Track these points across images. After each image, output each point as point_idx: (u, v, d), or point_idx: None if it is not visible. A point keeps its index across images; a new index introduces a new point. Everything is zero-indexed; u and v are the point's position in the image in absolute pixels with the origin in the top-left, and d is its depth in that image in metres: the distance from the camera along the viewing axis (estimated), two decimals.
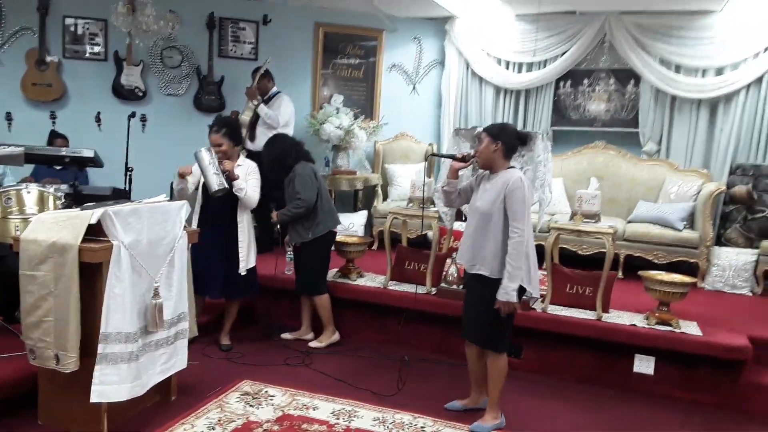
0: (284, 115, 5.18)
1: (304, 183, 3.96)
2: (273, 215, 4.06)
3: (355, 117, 6.14)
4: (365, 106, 6.57)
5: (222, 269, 3.83)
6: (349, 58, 6.54)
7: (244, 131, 5.20)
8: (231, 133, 3.86)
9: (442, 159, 4.95)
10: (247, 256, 3.91)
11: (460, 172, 3.21)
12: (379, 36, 6.54)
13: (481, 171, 3.13)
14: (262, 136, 5.12)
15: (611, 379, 3.75)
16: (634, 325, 3.72)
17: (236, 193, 3.75)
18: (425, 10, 6.24)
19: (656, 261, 5.03)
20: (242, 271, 3.87)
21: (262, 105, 5.15)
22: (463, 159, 3.18)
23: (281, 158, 4.05)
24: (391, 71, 6.67)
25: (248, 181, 3.87)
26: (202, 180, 3.72)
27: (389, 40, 6.60)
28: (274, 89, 5.39)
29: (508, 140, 2.96)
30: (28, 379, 2.90)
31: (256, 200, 3.91)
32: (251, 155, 5.22)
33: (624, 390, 3.69)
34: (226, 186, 3.63)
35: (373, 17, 6.33)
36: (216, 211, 3.80)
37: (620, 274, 4.97)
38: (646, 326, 3.71)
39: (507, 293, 2.85)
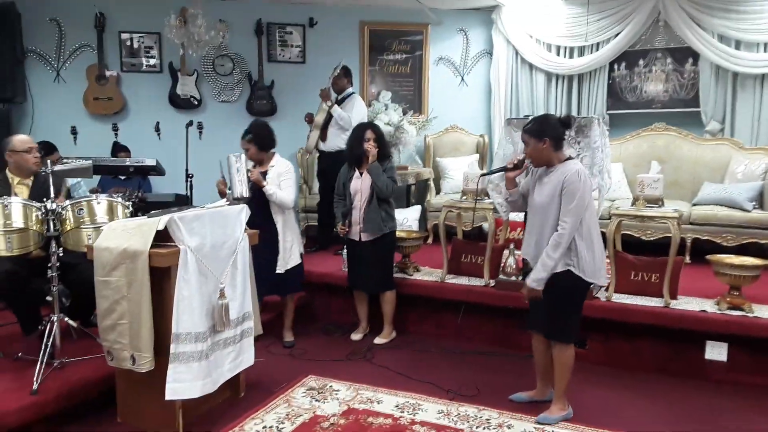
0: (356, 117, 5.09)
1: (396, 176, 4.05)
2: (341, 230, 4.07)
3: (404, 112, 6.15)
4: (413, 100, 6.58)
5: (268, 269, 3.86)
6: (395, 54, 6.55)
7: (317, 132, 5.25)
8: (255, 138, 3.94)
9: (494, 149, 4.92)
10: (286, 256, 3.95)
11: (516, 179, 3.17)
12: (425, 30, 6.53)
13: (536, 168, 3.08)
14: (334, 138, 5.18)
15: (681, 368, 3.63)
16: (704, 311, 3.59)
17: (268, 198, 3.85)
18: (470, 1, 6.18)
19: (725, 244, 4.83)
20: (280, 270, 3.93)
21: (335, 106, 5.16)
22: (516, 166, 3.13)
23: (388, 152, 4.14)
24: (438, 64, 6.65)
25: (282, 181, 3.92)
26: None
27: (435, 34, 6.57)
28: (350, 89, 5.33)
29: (553, 133, 2.90)
30: (107, 380, 3.04)
31: (291, 200, 3.95)
32: (322, 156, 5.31)
33: (695, 378, 3.57)
34: (247, 195, 3.58)
35: (418, 12, 6.32)
36: (255, 213, 3.84)
37: (687, 259, 4.80)
38: (717, 312, 3.57)
39: (536, 280, 2.86)
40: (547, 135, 2.87)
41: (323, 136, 5.24)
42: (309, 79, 6.12)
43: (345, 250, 4.45)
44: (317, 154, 5.45)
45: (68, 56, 6.01)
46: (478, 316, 4.14)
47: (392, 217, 4.10)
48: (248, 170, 3.75)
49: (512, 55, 6.50)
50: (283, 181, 3.94)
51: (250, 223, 3.75)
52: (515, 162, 3.13)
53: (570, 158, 2.95)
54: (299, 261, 4.07)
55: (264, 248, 3.78)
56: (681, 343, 3.64)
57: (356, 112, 5.15)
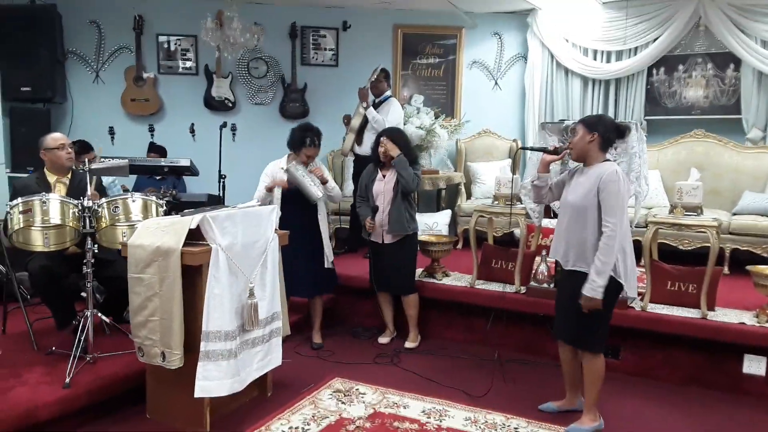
0: (392, 121, 5.05)
1: (419, 174, 4.06)
2: (368, 226, 4.05)
3: (436, 116, 6.11)
4: (446, 104, 6.54)
5: (307, 268, 3.95)
6: (428, 57, 6.53)
7: (352, 135, 5.24)
8: (320, 141, 4.03)
9: (528, 155, 4.85)
10: (329, 251, 4.09)
11: (551, 166, 3.12)
12: (458, 33, 6.49)
13: (573, 165, 3.03)
14: (369, 141, 5.15)
15: (718, 381, 3.52)
16: (742, 323, 3.48)
17: (328, 193, 4.00)
18: (505, 4, 6.14)
19: (765, 255, 4.68)
20: (328, 265, 4.05)
21: (371, 109, 5.15)
22: (555, 152, 3.08)
23: (416, 154, 4.17)
24: (471, 68, 6.60)
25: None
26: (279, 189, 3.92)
27: (469, 37, 6.53)
28: (388, 93, 5.30)
29: (605, 132, 2.84)
30: (137, 376, 3.08)
31: (340, 193, 4.16)
32: (358, 159, 5.32)
33: (732, 392, 3.46)
34: (321, 194, 3.88)
35: (452, 15, 6.29)
36: (296, 212, 3.90)
37: (726, 270, 4.66)
38: (756, 324, 3.46)
39: (593, 289, 2.73)
40: (598, 131, 2.83)
41: (359, 140, 5.24)
42: (342, 83, 6.15)
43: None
44: (353, 157, 5.45)
45: (107, 58, 6.15)
46: (508, 322, 4.08)
47: (414, 218, 4.09)
48: (310, 171, 3.90)
49: (547, 59, 6.42)
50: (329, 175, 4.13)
51: (295, 223, 3.79)
52: (555, 147, 3.10)
53: (608, 160, 2.89)
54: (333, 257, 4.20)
55: (309, 246, 3.88)
56: (718, 356, 3.53)
57: (392, 115, 5.12)
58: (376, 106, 5.21)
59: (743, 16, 5.37)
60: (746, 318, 3.55)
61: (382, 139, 4.04)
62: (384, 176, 4.05)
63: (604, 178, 2.75)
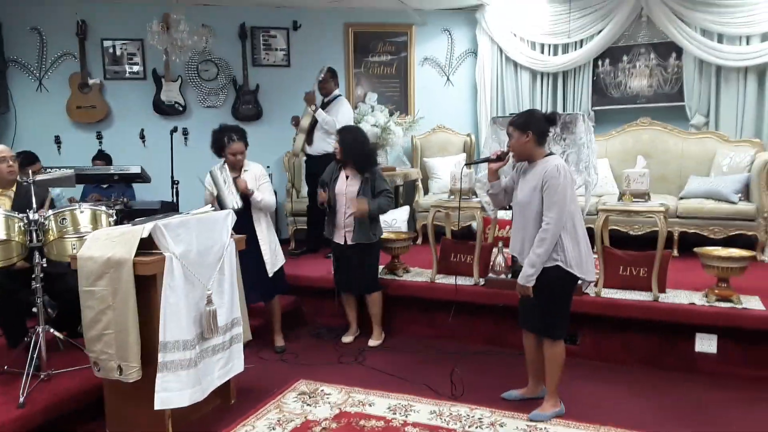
0: (342, 120, 5.06)
1: (387, 182, 4.01)
2: (320, 195, 4.00)
3: (391, 114, 6.14)
4: (400, 101, 6.58)
5: (253, 273, 3.81)
6: (380, 55, 6.55)
7: (303, 136, 5.23)
8: (246, 138, 3.92)
9: (481, 148, 4.92)
10: (272, 258, 3.94)
11: (499, 171, 3.17)
12: (409, 31, 6.53)
13: (520, 164, 3.08)
14: (320, 141, 5.17)
15: (672, 361, 3.64)
16: (693, 303, 3.61)
17: (255, 205, 3.84)
18: (453, 1, 6.18)
19: (712, 236, 4.87)
20: (271, 273, 3.92)
21: (320, 110, 5.14)
22: (499, 158, 3.14)
23: (371, 154, 4.09)
24: (423, 65, 6.65)
25: (261, 185, 3.92)
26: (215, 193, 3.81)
27: (419, 34, 6.58)
28: (336, 92, 5.31)
29: (537, 127, 2.91)
30: (94, 391, 3.00)
31: (273, 203, 3.97)
32: (310, 159, 5.30)
33: (686, 371, 3.58)
34: (241, 205, 3.71)
35: (402, 13, 6.32)
36: (237, 220, 3.82)
37: (675, 253, 4.82)
38: (706, 304, 3.59)
39: (525, 278, 2.88)
40: (530, 129, 2.89)
41: (309, 140, 5.23)
42: (294, 83, 6.10)
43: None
44: (304, 158, 5.44)
45: (50, 65, 5.97)
46: (469, 315, 4.13)
47: (378, 224, 4.10)
48: (234, 179, 3.74)
49: (497, 54, 6.52)
50: (262, 184, 3.94)
51: (236, 230, 3.73)
52: (498, 154, 3.14)
53: (551, 154, 2.96)
54: (284, 260, 4.08)
55: (247, 254, 3.75)
56: (671, 337, 3.65)
57: (342, 115, 5.12)
58: (324, 105, 5.21)
59: (683, 6, 5.55)
60: (696, 298, 3.68)
61: (337, 139, 4.03)
62: (347, 177, 4.02)
63: (545, 174, 2.83)
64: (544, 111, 3.07)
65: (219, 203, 3.72)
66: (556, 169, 2.83)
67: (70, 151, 5.91)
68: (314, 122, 5.17)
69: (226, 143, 3.84)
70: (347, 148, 3.96)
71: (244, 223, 3.82)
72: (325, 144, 5.11)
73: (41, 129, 5.89)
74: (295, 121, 5.36)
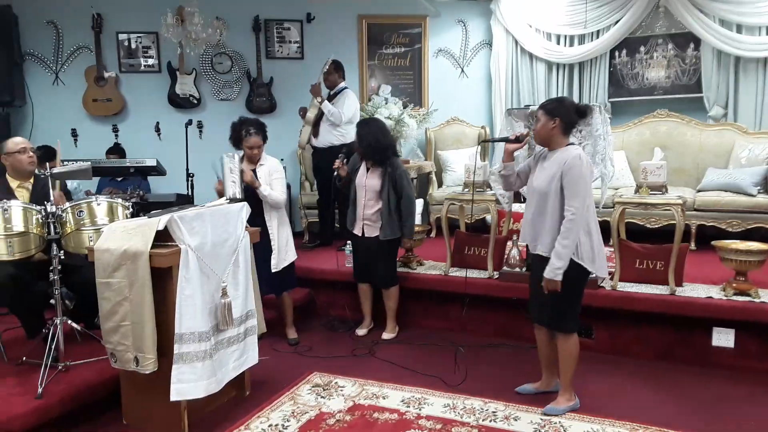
0: (347, 113, 5.11)
1: (410, 181, 4.02)
2: (337, 164, 3.99)
3: (404, 106, 6.12)
4: (413, 93, 6.54)
5: (262, 268, 3.78)
6: (394, 47, 6.51)
7: (309, 128, 5.25)
8: (263, 133, 3.91)
9: (496, 136, 4.88)
10: (280, 255, 3.91)
11: (515, 153, 3.14)
12: (423, 22, 6.48)
13: (538, 150, 3.05)
14: (326, 134, 5.19)
15: (689, 355, 3.61)
16: (710, 297, 3.57)
17: (262, 199, 3.82)
18: None
19: (730, 229, 4.80)
20: (275, 269, 3.88)
21: (325, 102, 5.14)
22: (517, 139, 3.10)
23: (389, 146, 4.05)
24: (437, 56, 6.61)
25: (273, 180, 3.90)
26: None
27: (433, 26, 6.53)
28: (342, 84, 5.31)
29: (566, 115, 2.86)
30: (111, 382, 3.04)
31: (283, 200, 3.93)
32: (316, 151, 5.30)
33: (703, 365, 3.55)
34: (239, 196, 3.59)
35: (416, 4, 6.28)
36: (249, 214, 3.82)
37: (693, 246, 4.77)
38: (724, 298, 3.55)
39: (553, 271, 2.79)
40: (559, 115, 2.85)
41: (315, 132, 5.25)
42: (308, 75, 6.06)
43: (347, 246, 4.45)
44: (311, 150, 5.45)
45: (66, 58, 6.01)
46: (483, 308, 4.12)
47: (400, 222, 4.07)
48: (242, 171, 3.73)
49: (512, 45, 6.46)
50: (274, 180, 3.91)
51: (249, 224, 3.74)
52: (517, 135, 3.11)
53: (572, 144, 2.92)
54: (295, 257, 4.06)
55: (259, 248, 3.75)
56: (688, 331, 3.62)
57: (347, 107, 5.14)
58: (331, 98, 5.22)
59: None
60: (714, 292, 3.64)
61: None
62: (368, 169, 4.02)
63: (567, 163, 2.78)
64: (578, 102, 3.00)
65: (252, 195, 3.72)
66: (579, 157, 2.79)
67: (87, 144, 5.95)
68: (320, 114, 5.19)
69: (243, 136, 3.85)
70: (363, 141, 3.96)
71: (255, 217, 3.83)
72: (331, 136, 5.14)
73: (58, 122, 5.93)
74: (303, 111, 5.37)
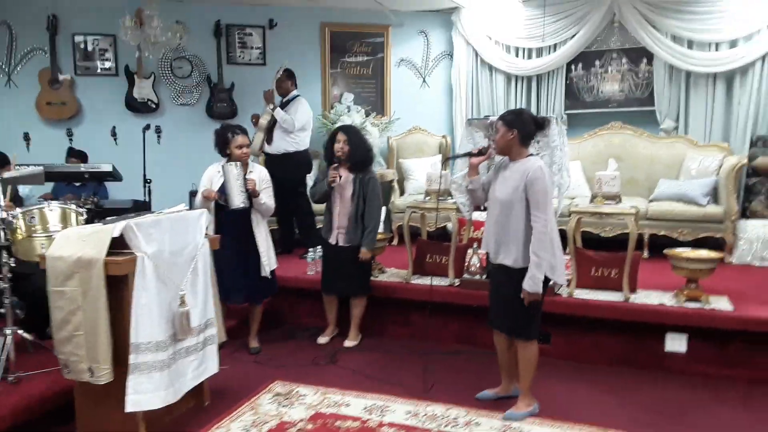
0: (300, 120, 5.16)
1: (380, 192, 4.07)
2: (334, 175, 3.92)
3: (367, 114, 6.15)
4: (376, 102, 6.58)
5: (243, 275, 3.85)
6: (356, 55, 6.54)
7: (262, 135, 5.24)
8: (248, 134, 3.93)
9: (457, 149, 4.95)
10: (269, 260, 3.94)
11: (479, 167, 3.19)
12: (386, 32, 6.54)
13: (498, 160, 3.10)
14: (280, 140, 5.20)
15: (643, 361, 3.71)
16: (662, 304, 3.68)
17: (257, 207, 3.83)
18: (430, 2, 6.22)
19: (681, 238, 4.97)
20: (265, 273, 3.90)
21: (278, 109, 5.15)
22: (480, 153, 3.16)
23: (372, 155, 4.10)
24: (399, 66, 6.67)
25: (264, 189, 3.90)
26: (217, 185, 3.80)
27: (396, 36, 6.59)
28: (294, 92, 5.34)
29: (524, 127, 2.93)
30: (64, 394, 2.94)
31: (273, 208, 3.98)
32: (269, 158, 5.28)
33: (657, 370, 3.65)
34: (247, 204, 3.74)
35: (378, 13, 6.33)
36: (233, 219, 3.80)
37: (645, 254, 4.91)
38: (676, 304, 3.66)
39: (534, 283, 2.83)
40: (516, 127, 2.91)
41: (269, 139, 5.25)
42: (269, 81, 6.01)
43: (312, 253, 4.43)
44: (262, 157, 5.43)
45: (19, 60, 5.83)
46: (444, 315, 4.16)
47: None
48: (245, 178, 3.73)
49: (472, 57, 6.56)
50: (265, 188, 3.92)
51: (231, 229, 3.70)
52: (480, 148, 3.16)
53: (531, 155, 2.99)
54: (277, 264, 4.07)
55: (244, 255, 3.74)
56: (642, 336, 3.72)
57: (300, 114, 5.19)
58: (284, 105, 5.23)
59: (655, 13, 5.67)
60: (666, 299, 3.76)
61: (339, 134, 3.99)
62: (340, 177, 3.96)
63: (530, 176, 2.84)
64: (536, 115, 3.09)
65: (226, 199, 3.70)
66: (540, 169, 2.86)
67: (40, 149, 5.78)
68: (273, 121, 5.21)
69: (230, 138, 3.82)
70: (355, 147, 3.95)
71: (244, 224, 3.82)
72: (284, 143, 5.18)
73: (10, 125, 5.76)
74: (255, 118, 5.39)
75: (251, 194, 3.76)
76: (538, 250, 2.81)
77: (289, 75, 5.30)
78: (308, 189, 4.19)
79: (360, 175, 3.97)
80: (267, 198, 3.90)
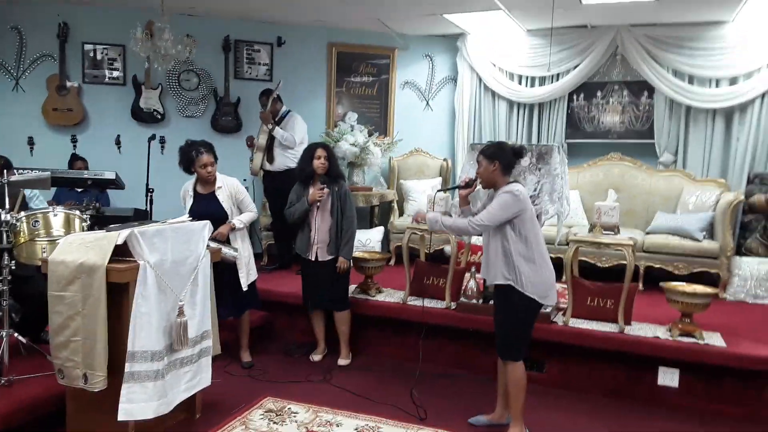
0: (299, 134, 5.26)
1: (353, 204, 4.10)
2: (318, 193, 3.97)
3: (370, 134, 6.20)
4: (379, 123, 6.64)
5: (225, 287, 3.79)
6: (362, 76, 6.62)
7: (261, 154, 5.28)
8: (215, 152, 3.90)
9: (458, 170, 4.99)
10: (247, 273, 3.93)
11: (470, 197, 3.28)
12: (392, 54, 6.62)
13: (490, 191, 3.19)
14: (281, 157, 5.25)
15: (636, 392, 3.72)
16: (657, 337, 3.70)
17: (243, 227, 3.90)
18: (436, 27, 6.31)
19: (677, 272, 4.99)
20: (244, 286, 3.89)
21: (277, 129, 5.21)
22: (467, 185, 3.25)
23: (341, 171, 4.23)
24: (404, 88, 6.74)
25: (242, 199, 3.94)
26: (188, 206, 3.84)
27: (401, 58, 6.67)
28: (284, 109, 5.43)
29: (504, 158, 3.04)
30: (56, 399, 2.93)
31: (256, 215, 4.04)
32: (271, 176, 5.31)
33: (649, 403, 3.65)
34: (239, 250, 3.82)
35: (385, 36, 6.41)
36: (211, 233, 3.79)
37: (641, 286, 4.93)
38: (670, 338, 3.68)
39: (430, 221, 3.19)
40: (497, 158, 3.02)
41: (270, 157, 5.32)
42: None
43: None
44: (262, 174, 5.48)
45: (28, 65, 5.87)
46: (440, 337, 4.16)
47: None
48: (213, 237, 3.57)
49: (476, 83, 6.64)
50: (243, 198, 3.96)
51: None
52: (466, 181, 3.24)
53: (513, 182, 3.07)
54: (257, 275, 4.05)
55: (221, 267, 3.72)
56: (636, 368, 3.73)
57: (298, 129, 5.30)
58: (279, 122, 5.30)
59: (657, 47, 5.76)
60: (660, 332, 3.77)
61: (318, 150, 4.03)
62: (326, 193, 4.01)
63: (499, 192, 2.98)
64: (513, 144, 3.21)
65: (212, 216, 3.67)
66: (513, 192, 2.96)
67: (43, 153, 5.80)
68: (271, 140, 5.28)
69: (194, 156, 3.78)
70: (333, 162, 4.07)
71: (224, 240, 3.81)
72: (286, 159, 5.24)
73: (15, 129, 5.77)
74: (250, 140, 5.47)
75: (224, 239, 3.77)
76: (449, 220, 3.19)
77: (276, 99, 5.37)
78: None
79: (335, 187, 4.03)
80: (244, 210, 3.95)
